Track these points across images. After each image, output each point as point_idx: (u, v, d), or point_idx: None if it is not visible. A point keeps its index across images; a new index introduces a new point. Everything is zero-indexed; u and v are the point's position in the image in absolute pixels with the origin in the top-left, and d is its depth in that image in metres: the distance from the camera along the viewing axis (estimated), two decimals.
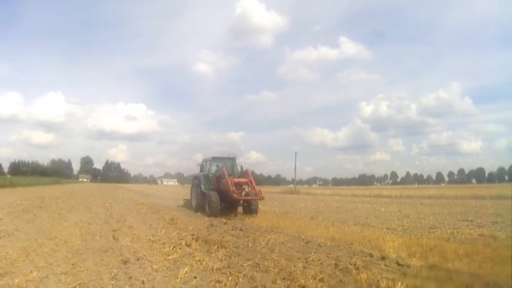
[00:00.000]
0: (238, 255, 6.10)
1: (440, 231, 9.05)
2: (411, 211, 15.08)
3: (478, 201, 20.03)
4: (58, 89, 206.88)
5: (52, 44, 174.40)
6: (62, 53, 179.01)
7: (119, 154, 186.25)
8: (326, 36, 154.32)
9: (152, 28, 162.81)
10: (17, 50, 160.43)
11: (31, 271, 4.82)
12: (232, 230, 9.41)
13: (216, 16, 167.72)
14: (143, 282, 4.47)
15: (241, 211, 13.98)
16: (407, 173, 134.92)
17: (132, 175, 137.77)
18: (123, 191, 39.81)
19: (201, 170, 15.66)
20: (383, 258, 5.69)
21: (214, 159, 15.44)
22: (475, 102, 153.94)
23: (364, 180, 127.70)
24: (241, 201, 13.55)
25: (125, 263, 5.46)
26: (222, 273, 4.93)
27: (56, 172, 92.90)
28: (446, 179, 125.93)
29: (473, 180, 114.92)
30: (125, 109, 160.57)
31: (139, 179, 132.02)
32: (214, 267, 5.18)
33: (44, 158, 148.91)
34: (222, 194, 13.20)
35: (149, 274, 4.86)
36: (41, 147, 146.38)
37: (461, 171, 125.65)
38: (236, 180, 13.22)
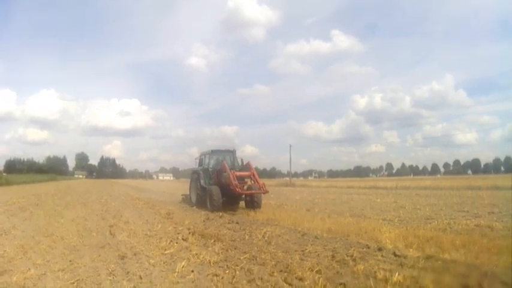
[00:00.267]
0: (235, 249, 6.11)
1: (436, 222, 9.10)
2: (407, 202, 15.16)
3: (474, 192, 20.22)
4: (51, 86, 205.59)
5: (45, 42, 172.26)
6: (54, 50, 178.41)
7: (114, 150, 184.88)
8: (318, 29, 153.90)
9: (144, 23, 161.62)
10: (9, 48, 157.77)
11: (29, 269, 4.81)
12: (229, 223, 9.42)
13: (208, 10, 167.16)
14: (140, 277, 4.47)
15: (243, 205, 13.47)
16: (403, 165, 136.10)
17: (127, 170, 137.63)
18: (119, 186, 39.72)
19: (200, 163, 15.16)
20: (380, 250, 5.70)
21: (213, 152, 14.93)
22: (469, 94, 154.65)
23: (360, 172, 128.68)
24: (244, 196, 12.98)
25: (122, 258, 5.46)
26: (219, 267, 4.93)
27: (52, 169, 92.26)
28: (442, 170, 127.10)
29: (469, 171, 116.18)
30: (118, 105, 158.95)
31: (134, 175, 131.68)
32: (211, 261, 5.19)
33: (39, 155, 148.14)
34: (224, 189, 12.78)
35: (146, 269, 4.85)
36: (35, 145, 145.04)
37: (456, 162, 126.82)
38: (238, 173, 12.77)
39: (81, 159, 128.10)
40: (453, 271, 4.32)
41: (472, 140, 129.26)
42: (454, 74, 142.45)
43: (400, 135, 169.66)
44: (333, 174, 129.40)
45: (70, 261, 5.26)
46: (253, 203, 12.79)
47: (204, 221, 9.98)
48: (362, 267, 4.64)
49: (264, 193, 12.69)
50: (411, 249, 5.67)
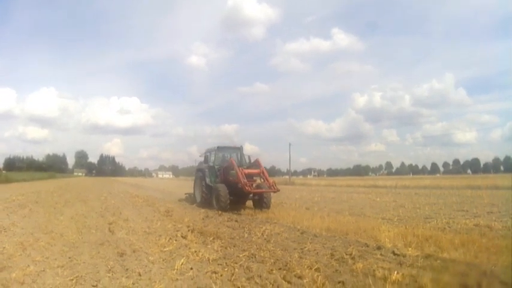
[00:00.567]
0: (234, 246, 6.11)
1: (435, 221, 9.08)
2: (406, 201, 15.14)
3: (473, 192, 20.17)
4: (51, 84, 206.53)
5: (44, 40, 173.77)
6: (54, 48, 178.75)
7: (114, 148, 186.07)
8: (318, 27, 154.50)
9: (144, 21, 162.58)
10: (9, 46, 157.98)
11: (28, 265, 4.81)
12: (228, 221, 9.43)
13: (208, 8, 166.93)
14: (139, 274, 4.46)
15: (248, 205, 12.92)
16: (402, 164, 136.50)
17: (127, 168, 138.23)
18: (118, 184, 39.74)
19: (205, 161, 14.32)
20: (379, 248, 5.71)
21: (219, 149, 14.29)
22: (469, 93, 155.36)
23: (359, 170, 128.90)
24: (251, 195, 12.20)
25: (121, 255, 5.46)
26: (218, 264, 4.93)
27: (51, 167, 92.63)
28: (442, 169, 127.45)
29: (469, 171, 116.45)
30: (118, 103, 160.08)
31: (134, 173, 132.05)
32: (210, 258, 5.19)
33: (38, 153, 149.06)
34: (231, 187, 12.17)
35: (145, 266, 4.85)
36: (35, 143, 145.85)
37: (456, 161, 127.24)
38: (247, 171, 12.16)
39: (81, 157, 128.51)
40: (452, 270, 4.33)
41: (471, 139, 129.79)
42: (454, 73, 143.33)
43: (400, 134, 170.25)
44: (332, 172, 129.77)
45: (69, 258, 5.26)
46: (262, 203, 12.12)
47: (203, 218, 10.00)
48: (361, 265, 4.65)
49: (275, 192, 12.05)
50: (410, 248, 5.66)
